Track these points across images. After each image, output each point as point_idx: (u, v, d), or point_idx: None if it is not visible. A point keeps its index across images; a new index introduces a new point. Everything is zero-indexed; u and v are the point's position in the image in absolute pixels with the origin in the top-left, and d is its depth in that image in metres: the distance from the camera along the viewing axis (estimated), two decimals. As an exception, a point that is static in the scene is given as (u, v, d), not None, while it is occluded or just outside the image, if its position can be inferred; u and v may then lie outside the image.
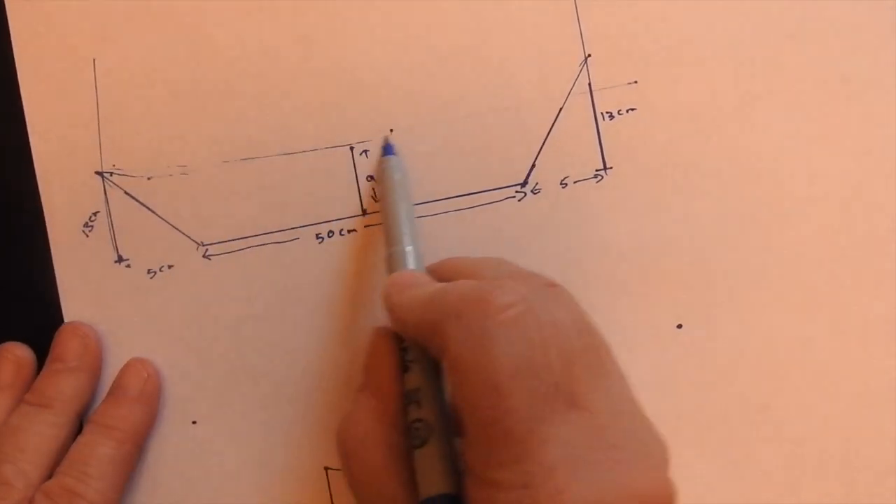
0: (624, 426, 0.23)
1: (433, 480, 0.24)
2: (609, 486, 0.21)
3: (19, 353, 0.31)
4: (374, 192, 0.32)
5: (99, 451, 0.29)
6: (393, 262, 0.29)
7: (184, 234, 0.32)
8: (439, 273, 0.28)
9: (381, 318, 0.31)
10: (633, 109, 0.32)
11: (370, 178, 0.32)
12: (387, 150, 0.31)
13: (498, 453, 0.22)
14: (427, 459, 0.24)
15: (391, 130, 0.32)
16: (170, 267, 0.32)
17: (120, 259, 0.32)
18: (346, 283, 0.32)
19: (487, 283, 0.24)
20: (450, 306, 0.23)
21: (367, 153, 0.32)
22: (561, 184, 0.32)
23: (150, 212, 0.32)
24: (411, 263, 0.28)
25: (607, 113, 0.32)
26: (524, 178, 0.32)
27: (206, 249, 0.32)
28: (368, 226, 0.32)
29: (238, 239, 0.32)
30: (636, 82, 0.32)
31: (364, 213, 0.32)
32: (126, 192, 0.32)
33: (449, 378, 0.23)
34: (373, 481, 0.25)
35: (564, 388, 0.22)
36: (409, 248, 0.29)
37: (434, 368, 0.26)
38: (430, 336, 0.24)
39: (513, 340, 0.22)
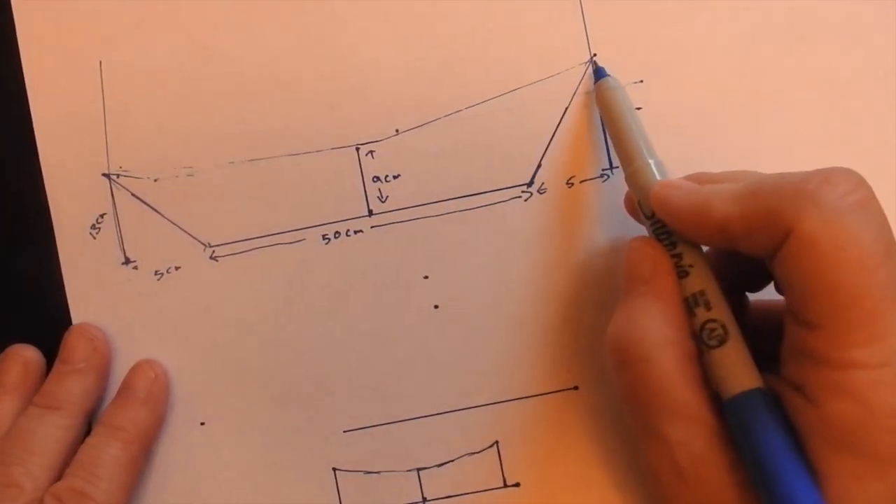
0: None
1: (741, 377, 0.24)
2: None
3: (27, 355, 0.32)
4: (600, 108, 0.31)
5: (107, 452, 0.29)
6: (640, 175, 0.28)
7: (191, 235, 0.32)
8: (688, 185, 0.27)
9: (384, 320, 0.32)
10: (638, 108, 0.32)
11: (376, 178, 0.32)
12: (600, 72, 0.31)
13: (856, 333, 0.22)
14: (729, 358, 0.24)
15: (396, 131, 0.32)
16: (177, 268, 0.32)
17: (127, 261, 0.32)
18: (352, 284, 0.32)
19: (819, 171, 0.24)
20: (791, 191, 0.23)
21: (373, 154, 0.32)
22: (567, 183, 0.32)
23: (156, 213, 0.32)
24: (658, 175, 0.28)
25: (613, 112, 0.32)
26: (530, 177, 0.32)
27: (213, 251, 0.32)
28: (375, 227, 0.32)
29: (245, 240, 0.32)
30: (641, 82, 0.32)
31: (370, 213, 0.32)
32: (133, 194, 0.32)
33: (798, 262, 0.23)
34: (666, 387, 0.24)
35: None
36: (652, 161, 0.28)
37: (713, 271, 0.26)
38: (759, 226, 0.23)
39: (869, 221, 0.22)
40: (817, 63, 0.31)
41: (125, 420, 0.30)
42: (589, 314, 0.31)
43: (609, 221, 0.32)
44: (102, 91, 0.32)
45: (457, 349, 0.31)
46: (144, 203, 0.32)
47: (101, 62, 0.32)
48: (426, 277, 0.32)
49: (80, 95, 0.32)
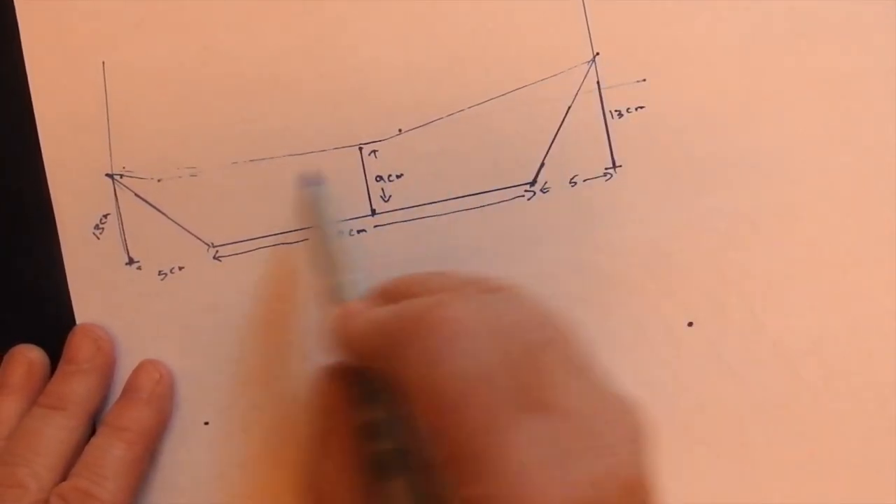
0: (593, 415, 0.23)
1: None
2: (585, 478, 0.21)
3: (31, 355, 0.31)
4: (301, 216, 0.31)
5: (112, 452, 0.29)
6: (333, 293, 0.28)
7: (194, 235, 0.32)
8: (386, 295, 0.27)
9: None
10: (641, 107, 0.32)
11: (379, 178, 0.32)
12: (310, 182, 0.31)
13: (465, 469, 0.22)
14: (397, 491, 0.24)
15: (399, 130, 0.32)
16: (180, 268, 0.32)
17: (131, 261, 0.32)
18: (356, 283, 0.32)
19: (432, 300, 0.24)
20: (398, 329, 0.23)
21: (377, 153, 0.32)
22: (570, 182, 0.32)
23: (160, 214, 0.32)
24: (354, 292, 0.28)
25: (616, 111, 0.32)
26: (533, 176, 0.32)
27: (217, 251, 0.32)
28: (378, 226, 0.32)
29: (248, 240, 0.32)
30: (645, 80, 0.32)
31: (373, 213, 0.32)
32: (136, 195, 0.32)
33: (409, 403, 0.23)
34: None
35: (525, 391, 0.22)
36: (349, 277, 0.28)
37: (394, 398, 0.25)
38: (385, 363, 0.24)
39: (460, 355, 0.22)
40: (818, 62, 0.31)
41: (129, 420, 0.30)
42: (592, 313, 0.31)
43: (613, 220, 0.32)
44: (105, 91, 0.32)
45: (460, 348, 0.31)
46: (148, 203, 0.32)
47: (104, 63, 0.32)
48: (430, 277, 0.32)
49: (83, 96, 0.32)
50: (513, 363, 0.22)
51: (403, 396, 0.23)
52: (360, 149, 0.32)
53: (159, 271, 0.32)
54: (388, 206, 0.32)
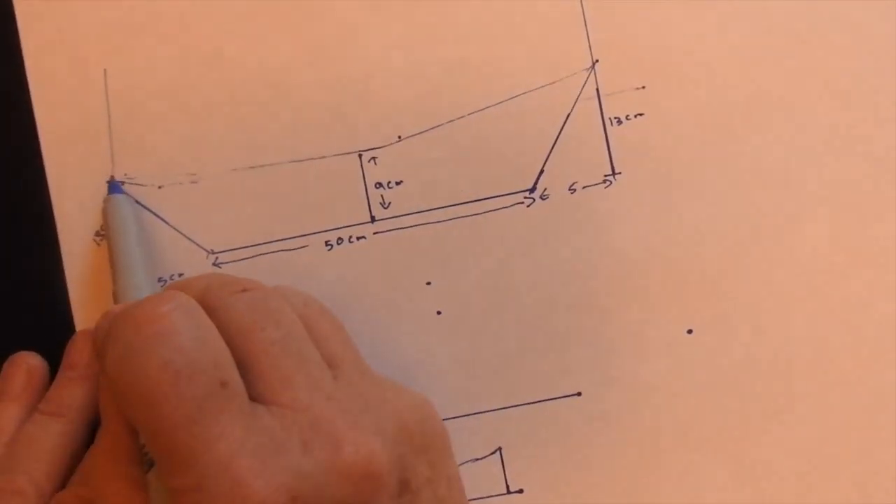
0: (325, 406, 0.23)
1: (158, 501, 0.24)
2: (300, 467, 0.22)
3: (31, 361, 0.32)
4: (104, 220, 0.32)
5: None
6: (116, 297, 0.30)
7: (194, 242, 0.32)
8: None
9: (387, 326, 0.32)
10: (641, 114, 0.32)
11: (379, 185, 0.32)
12: (112, 188, 0.32)
13: (169, 462, 0.22)
14: (153, 482, 0.25)
15: (399, 137, 0.32)
16: (180, 275, 0.32)
17: (131, 268, 0.32)
18: (355, 291, 0.32)
19: (147, 297, 0.24)
20: (107, 328, 0.24)
21: (376, 160, 0.32)
22: (570, 189, 0.32)
23: (160, 220, 0.32)
24: (134, 297, 0.29)
25: (615, 118, 0.32)
26: (532, 183, 0.32)
27: (217, 257, 0.32)
28: (378, 233, 0.32)
29: (248, 247, 0.32)
30: (644, 87, 0.32)
31: (373, 220, 0.32)
32: (137, 201, 0.32)
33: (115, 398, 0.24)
34: None
35: (236, 386, 0.23)
36: (134, 281, 0.30)
37: None
38: (101, 361, 0.24)
39: (159, 350, 0.22)
40: (819, 69, 0.31)
41: (129, 427, 0.30)
42: (591, 320, 0.31)
43: (612, 227, 0.32)
44: (107, 99, 0.32)
45: (459, 355, 0.31)
46: (148, 210, 0.32)
47: (105, 70, 0.32)
48: (429, 284, 0.32)
49: (85, 103, 0.32)
50: (213, 363, 0.23)
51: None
52: (360, 155, 0.32)
53: (159, 278, 0.32)
54: (387, 213, 0.32)
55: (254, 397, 0.23)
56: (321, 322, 0.27)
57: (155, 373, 0.22)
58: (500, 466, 0.31)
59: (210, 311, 0.25)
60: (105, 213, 0.31)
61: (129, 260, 0.30)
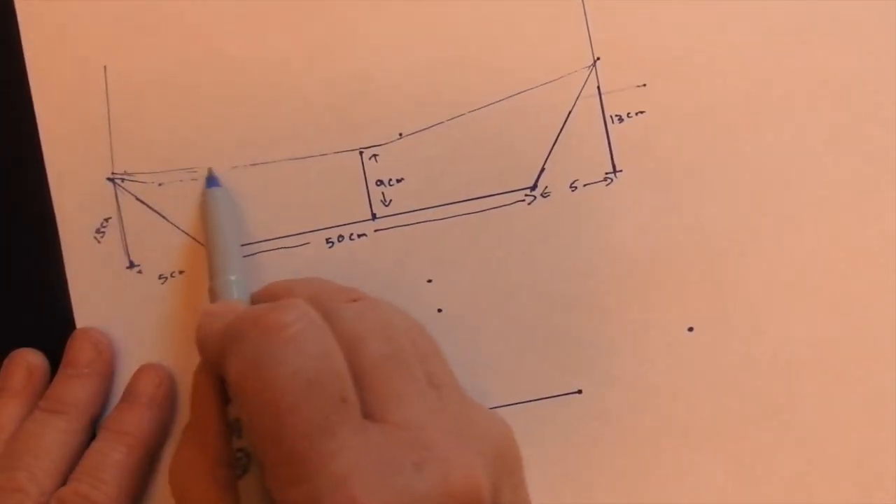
0: (434, 428, 0.23)
1: None
2: (412, 489, 0.21)
3: (32, 359, 0.32)
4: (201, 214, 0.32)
5: (112, 457, 0.30)
6: (214, 294, 0.29)
7: (195, 239, 0.32)
8: (259, 299, 0.28)
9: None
10: (642, 112, 0.32)
11: (380, 182, 0.32)
12: (210, 182, 0.31)
13: (285, 473, 0.22)
14: (247, 488, 0.24)
15: (400, 135, 0.32)
16: (181, 272, 0.32)
17: (131, 265, 0.32)
18: (357, 287, 0.32)
19: (271, 304, 0.24)
20: (234, 331, 0.23)
21: (377, 157, 0.32)
22: (570, 187, 0.32)
23: (161, 217, 0.32)
24: (234, 294, 0.29)
25: (616, 116, 0.32)
26: (534, 181, 0.32)
27: (217, 255, 0.32)
28: (378, 230, 0.32)
29: (249, 244, 0.32)
30: (645, 85, 0.32)
31: (374, 217, 0.32)
32: (137, 198, 0.32)
33: (234, 404, 0.24)
34: None
35: (354, 402, 0.23)
36: (232, 278, 0.29)
37: None
38: (220, 364, 0.24)
39: (289, 358, 0.22)
40: (820, 68, 0.31)
41: (130, 424, 0.30)
42: (592, 318, 0.31)
43: (613, 224, 0.32)
44: (107, 95, 0.32)
45: (460, 353, 0.31)
46: (149, 207, 0.32)
47: (105, 67, 0.32)
48: (430, 281, 0.32)
49: (85, 100, 0.32)
50: (335, 376, 0.22)
51: (232, 397, 0.24)
52: (361, 153, 0.32)
53: (160, 275, 0.32)
54: (388, 211, 0.32)
55: (365, 413, 0.23)
56: (421, 340, 0.26)
57: (285, 381, 0.22)
58: (501, 464, 0.31)
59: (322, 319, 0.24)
60: (203, 206, 0.31)
61: (228, 257, 0.30)
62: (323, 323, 0.23)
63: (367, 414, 0.23)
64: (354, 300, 0.26)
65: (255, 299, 0.29)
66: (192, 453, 0.26)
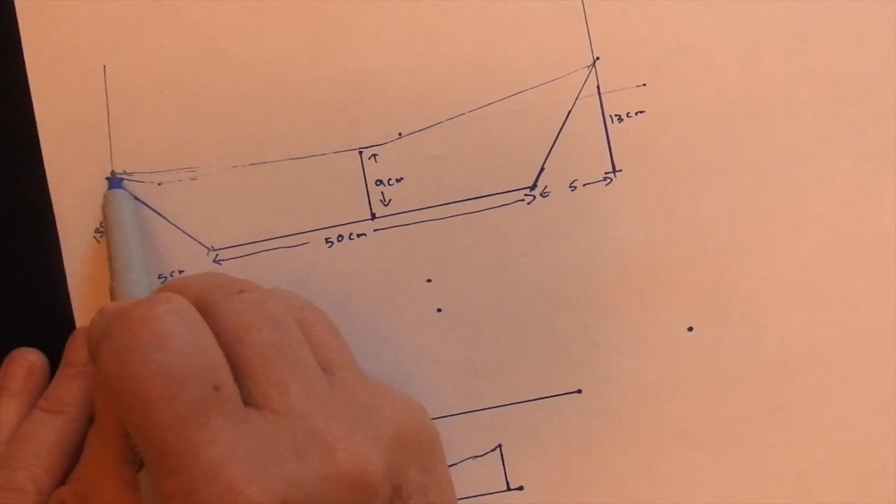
0: (321, 414, 0.23)
1: (150, 501, 0.24)
2: (293, 475, 0.21)
3: (31, 358, 0.32)
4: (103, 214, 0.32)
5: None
6: (114, 293, 0.30)
7: (194, 239, 0.32)
8: None
9: (387, 323, 0.32)
10: (641, 112, 0.32)
11: (379, 182, 0.32)
12: (112, 183, 0.32)
13: (161, 465, 0.22)
14: (146, 482, 0.24)
15: (399, 134, 0.32)
16: (180, 272, 0.32)
17: (131, 264, 0.32)
18: (355, 288, 0.32)
19: (141, 299, 0.24)
20: (102, 327, 0.23)
21: (377, 157, 0.32)
22: (570, 186, 0.32)
23: (160, 217, 0.32)
24: (134, 293, 0.29)
25: (616, 115, 0.32)
26: (533, 181, 0.32)
27: (217, 254, 0.32)
28: (378, 230, 0.32)
29: (248, 244, 0.32)
30: (645, 85, 0.32)
31: (373, 217, 0.32)
32: (136, 198, 0.32)
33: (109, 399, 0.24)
34: None
35: (230, 390, 0.22)
36: (133, 277, 0.29)
37: None
38: (94, 361, 0.24)
39: (154, 352, 0.22)
40: (819, 67, 0.31)
41: (129, 424, 0.30)
42: (592, 317, 0.31)
43: (612, 224, 0.32)
44: (106, 95, 0.32)
45: (460, 352, 0.31)
46: (148, 206, 0.32)
47: (105, 66, 0.32)
48: (429, 281, 0.32)
49: (84, 99, 0.32)
50: (206, 367, 0.22)
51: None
52: (360, 152, 0.32)
53: (159, 275, 0.32)
54: (387, 210, 0.32)
55: (247, 401, 0.23)
56: (317, 326, 0.27)
57: (148, 376, 0.22)
58: (501, 463, 0.31)
59: (205, 312, 0.24)
60: (104, 208, 0.31)
61: (128, 256, 0.30)
62: (194, 314, 0.23)
63: (250, 403, 0.23)
64: (241, 291, 0.25)
65: None
66: (96, 452, 0.26)
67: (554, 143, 0.32)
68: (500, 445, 0.31)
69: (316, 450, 0.22)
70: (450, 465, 0.31)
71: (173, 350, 0.22)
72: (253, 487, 0.21)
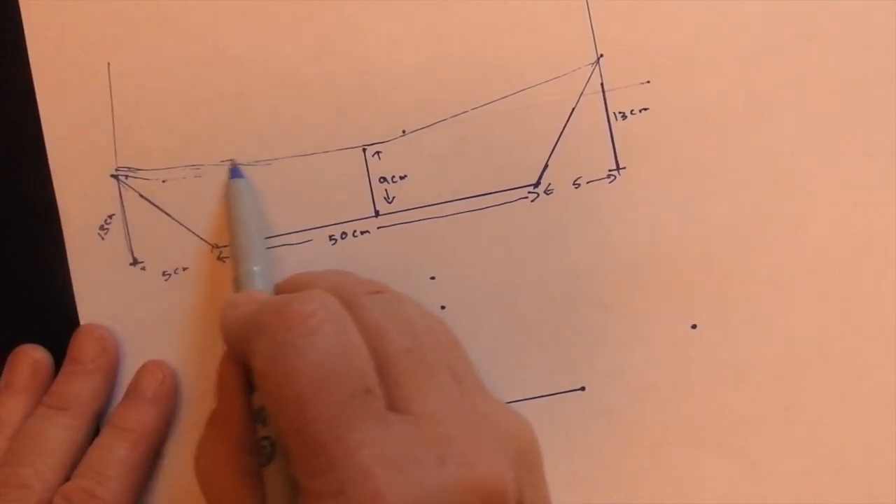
0: (455, 422, 0.23)
1: (276, 497, 0.24)
2: (435, 482, 0.21)
3: (36, 355, 0.32)
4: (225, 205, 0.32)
5: (116, 453, 0.30)
6: (238, 283, 0.29)
7: (198, 236, 0.32)
8: (283, 290, 0.28)
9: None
10: (645, 109, 0.32)
11: (383, 179, 0.32)
12: (234, 172, 0.31)
13: (310, 463, 0.22)
14: (272, 476, 0.24)
15: (403, 132, 0.32)
16: (185, 269, 0.32)
17: (135, 261, 0.32)
18: (359, 285, 0.32)
19: (293, 295, 0.24)
20: (255, 322, 0.23)
21: (380, 154, 0.32)
22: (574, 184, 0.32)
23: (165, 214, 0.32)
24: (257, 284, 0.29)
25: (620, 113, 0.32)
26: (537, 178, 0.32)
27: (221, 251, 0.32)
28: (381, 227, 0.32)
29: (252, 241, 0.32)
30: (649, 82, 0.32)
31: (377, 214, 0.32)
32: (141, 195, 0.32)
33: (258, 394, 0.23)
34: (227, 503, 0.25)
35: (378, 392, 0.22)
36: (256, 269, 0.29)
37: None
38: (244, 354, 0.24)
39: (311, 350, 0.22)
40: (823, 64, 0.31)
41: (133, 421, 0.30)
42: (596, 315, 0.31)
43: (616, 222, 0.32)
44: (111, 92, 0.32)
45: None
46: (153, 204, 0.32)
47: (109, 63, 0.32)
48: (433, 278, 0.32)
49: (89, 97, 0.32)
50: (359, 368, 0.22)
51: (256, 388, 0.24)
52: (364, 150, 0.32)
53: (163, 272, 0.32)
54: (391, 208, 0.32)
55: (387, 404, 0.23)
56: (440, 334, 0.26)
57: (305, 372, 0.22)
58: (504, 461, 0.31)
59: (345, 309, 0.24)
60: (227, 197, 0.31)
61: (251, 246, 0.30)
62: (345, 314, 0.23)
63: (391, 406, 0.23)
64: (377, 292, 0.25)
65: (279, 290, 0.29)
66: (217, 442, 0.26)
67: (558, 141, 0.32)
68: (503, 443, 0.31)
69: (455, 459, 0.22)
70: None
71: (329, 348, 0.22)
72: (398, 493, 0.21)
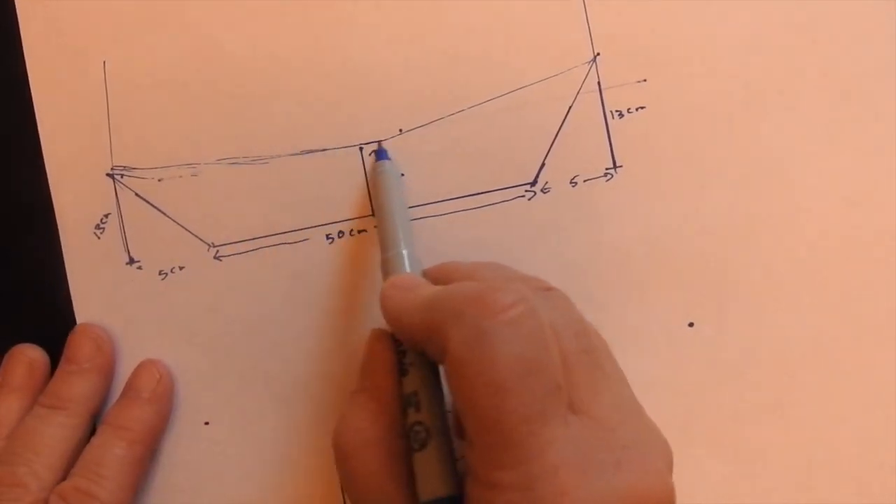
0: (627, 429, 0.23)
1: (433, 483, 0.24)
2: (613, 487, 0.21)
3: (32, 354, 0.32)
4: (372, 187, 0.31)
5: (112, 452, 0.30)
6: (389, 265, 0.28)
7: (194, 235, 0.32)
8: (436, 277, 0.28)
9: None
10: (642, 108, 0.32)
11: (380, 178, 0.32)
12: (380, 154, 0.31)
13: (499, 454, 0.21)
14: (427, 462, 0.24)
15: (400, 130, 0.32)
16: (181, 268, 0.32)
17: (131, 260, 0.32)
18: (356, 283, 0.32)
19: (488, 283, 0.24)
20: (451, 307, 0.23)
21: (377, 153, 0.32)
22: (571, 182, 0.32)
23: (161, 213, 0.32)
24: (408, 267, 0.28)
25: (617, 111, 0.32)
26: (534, 177, 0.32)
27: (217, 250, 0.32)
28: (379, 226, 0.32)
29: (248, 240, 0.32)
30: (645, 81, 0.32)
31: (374, 213, 0.32)
32: (137, 194, 0.32)
33: (449, 380, 0.23)
34: (371, 484, 0.24)
35: (564, 391, 0.22)
36: (405, 252, 0.28)
37: (432, 372, 0.26)
38: (430, 338, 0.24)
39: (513, 340, 0.22)
40: (819, 62, 0.31)
41: (130, 420, 0.30)
42: (593, 313, 0.31)
43: (613, 220, 0.32)
44: (106, 91, 0.32)
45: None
46: (149, 203, 0.32)
47: (104, 62, 0.32)
48: (430, 277, 0.32)
49: (85, 95, 0.32)
50: (551, 363, 0.22)
51: (447, 371, 0.23)
52: (361, 148, 0.32)
53: (160, 271, 0.32)
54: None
55: (569, 404, 0.23)
56: (595, 337, 0.26)
57: (507, 363, 0.22)
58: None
59: None
60: (373, 180, 0.31)
61: (399, 229, 0.29)
62: (538, 309, 0.23)
63: (569, 405, 0.23)
64: (547, 289, 0.25)
65: (429, 275, 0.28)
66: (366, 422, 0.25)
67: (554, 139, 0.32)
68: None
69: (630, 465, 0.22)
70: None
71: (528, 340, 0.22)
72: (581, 494, 0.21)
